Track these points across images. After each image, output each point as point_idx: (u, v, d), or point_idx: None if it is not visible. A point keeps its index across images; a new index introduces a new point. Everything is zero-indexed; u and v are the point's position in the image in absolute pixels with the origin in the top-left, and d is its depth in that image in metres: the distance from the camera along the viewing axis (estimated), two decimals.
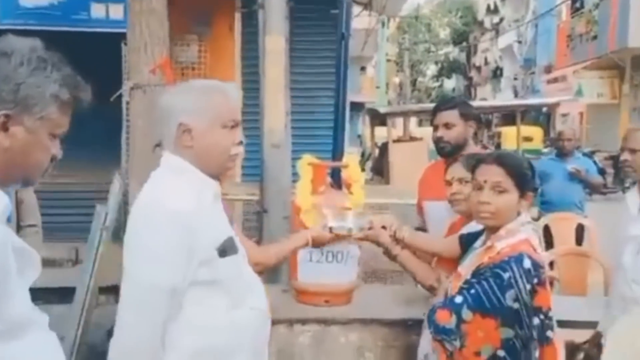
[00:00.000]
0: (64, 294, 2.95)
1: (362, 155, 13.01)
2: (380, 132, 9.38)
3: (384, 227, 2.27)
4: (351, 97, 16.50)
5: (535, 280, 1.71)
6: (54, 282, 3.00)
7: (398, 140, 8.42)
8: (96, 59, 4.15)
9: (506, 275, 1.69)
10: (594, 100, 18.92)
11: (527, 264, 1.70)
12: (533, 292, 1.72)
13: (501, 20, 35.87)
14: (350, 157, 2.95)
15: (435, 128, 2.84)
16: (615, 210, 3.19)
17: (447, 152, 2.77)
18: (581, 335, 3.28)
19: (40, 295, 1.33)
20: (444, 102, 3.00)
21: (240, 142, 1.61)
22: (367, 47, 11.97)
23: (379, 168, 9.23)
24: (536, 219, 5.51)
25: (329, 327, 2.68)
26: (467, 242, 2.02)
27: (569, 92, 18.65)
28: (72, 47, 1.67)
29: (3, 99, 1.07)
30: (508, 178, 1.79)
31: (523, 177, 1.82)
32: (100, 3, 4.64)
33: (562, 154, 5.67)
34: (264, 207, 3.63)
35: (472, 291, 1.72)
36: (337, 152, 3.43)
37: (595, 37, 18.61)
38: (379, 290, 3.58)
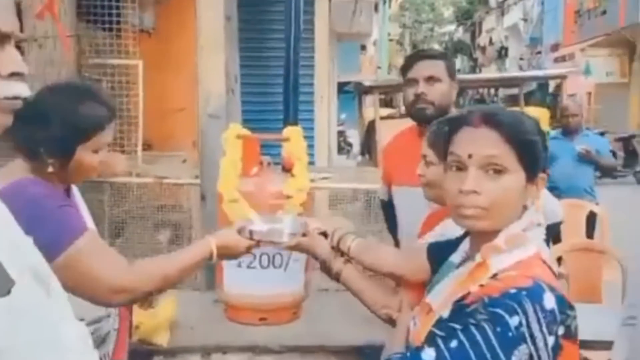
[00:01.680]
0: None
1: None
2: (371, 113, 8.61)
3: (323, 234, 1.53)
4: (350, 76, 15.80)
5: (562, 331, 0.97)
6: None
7: (387, 117, 7.67)
8: None
9: (514, 321, 0.94)
10: (603, 80, 18.10)
11: (548, 301, 0.95)
12: (557, 350, 0.96)
13: None
14: (292, 129, 2.24)
15: (412, 82, 2.06)
16: (627, 195, 2.51)
17: (428, 117, 1.98)
18: (595, 357, 2.63)
19: None
20: (425, 50, 2.25)
21: (16, 74, 0.83)
22: (361, 24, 11.17)
23: (367, 148, 8.49)
24: None
25: (259, 357, 2.01)
26: (439, 256, 1.27)
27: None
28: None
29: None
30: (508, 149, 1.03)
31: (531, 147, 1.05)
32: None
33: (568, 132, 4.96)
34: (202, 193, 2.94)
35: (454, 344, 0.96)
36: (288, 123, 2.72)
37: (604, 13, 17.80)
38: (335, 302, 2.57)
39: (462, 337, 0.96)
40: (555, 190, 4.90)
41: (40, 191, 1.29)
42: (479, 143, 1.04)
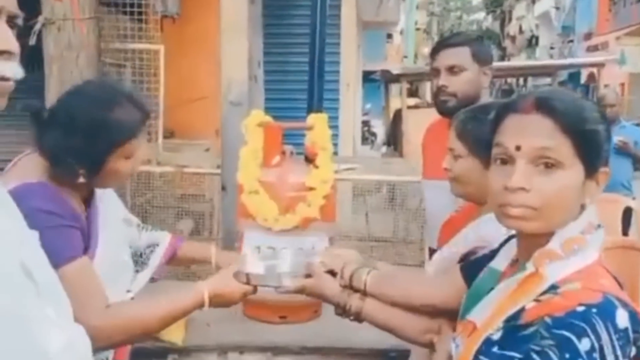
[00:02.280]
0: None
1: None
2: (400, 102, 8.40)
3: (331, 272, 1.35)
4: (375, 65, 15.58)
5: (634, 352, 0.84)
6: None
7: (414, 107, 7.50)
8: None
9: (584, 345, 0.81)
10: (638, 69, 17.53)
11: (621, 319, 0.83)
12: None
13: None
14: (317, 116, 2.12)
15: (436, 73, 1.95)
16: None
17: (451, 109, 1.88)
18: None
19: None
20: (450, 37, 2.08)
21: (4, 53, 0.77)
22: (388, 12, 10.96)
23: (392, 139, 8.31)
24: None
25: (278, 358, 1.92)
26: (475, 274, 1.12)
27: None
28: None
29: None
30: (564, 140, 0.88)
31: (593, 137, 0.90)
32: None
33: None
34: (222, 184, 2.86)
35: None
36: (312, 110, 2.62)
37: None
38: None
39: None
40: None
41: (43, 205, 1.18)
42: (530, 132, 0.89)
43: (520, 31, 36.94)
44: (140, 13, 3.69)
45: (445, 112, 1.94)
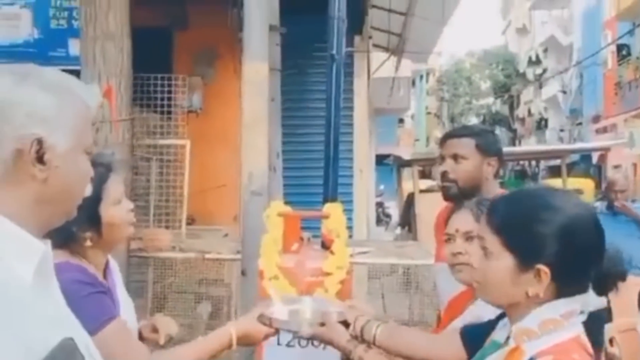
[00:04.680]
0: None
1: None
2: (411, 185, 8.61)
3: (344, 323, 1.49)
4: (388, 149, 16.01)
5: None
6: None
7: (426, 190, 7.68)
8: None
9: None
10: None
11: None
12: None
13: (544, 71, 35.03)
14: (332, 205, 2.28)
15: (442, 160, 2.11)
16: None
17: (453, 195, 2.04)
18: None
19: None
20: (458, 129, 2.29)
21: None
22: (399, 99, 11.46)
23: (406, 221, 8.44)
24: None
25: None
26: (474, 339, 1.26)
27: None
28: None
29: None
30: (494, 235, 1.10)
31: (523, 234, 1.09)
32: (78, 38, 4.22)
33: (614, 207, 4.82)
34: (242, 269, 2.99)
35: None
36: (327, 198, 2.78)
37: None
38: None
39: None
40: None
41: (72, 276, 1.31)
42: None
43: (529, 114, 37.71)
44: (169, 111, 4.00)
45: (449, 197, 2.08)
